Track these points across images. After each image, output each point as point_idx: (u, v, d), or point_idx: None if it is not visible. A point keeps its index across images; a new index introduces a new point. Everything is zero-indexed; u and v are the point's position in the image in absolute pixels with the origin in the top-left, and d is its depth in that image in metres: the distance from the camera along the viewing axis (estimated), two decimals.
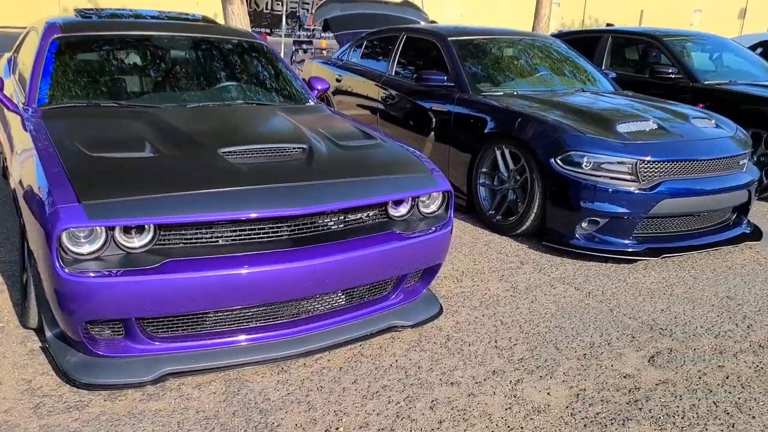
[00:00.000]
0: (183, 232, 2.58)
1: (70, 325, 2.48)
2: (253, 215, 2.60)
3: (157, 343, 2.64)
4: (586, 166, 4.19)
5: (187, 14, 4.85)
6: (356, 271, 2.84)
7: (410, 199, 3.11)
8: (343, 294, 3.02)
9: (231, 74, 4.21)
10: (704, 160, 4.33)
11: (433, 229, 3.10)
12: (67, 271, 2.36)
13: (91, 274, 2.38)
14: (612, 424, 2.57)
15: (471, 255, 4.29)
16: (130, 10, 4.79)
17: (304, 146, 3.09)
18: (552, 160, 4.27)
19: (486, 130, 4.76)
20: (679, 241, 4.36)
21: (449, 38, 5.59)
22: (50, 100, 3.52)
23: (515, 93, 5.20)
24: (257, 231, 2.68)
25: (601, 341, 3.22)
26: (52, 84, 3.62)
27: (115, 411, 2.46)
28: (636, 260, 4.26)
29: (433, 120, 5.31)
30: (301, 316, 2.90)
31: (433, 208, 3.19)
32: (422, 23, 8.14)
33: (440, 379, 2.81)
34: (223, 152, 2.90)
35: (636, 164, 4.15)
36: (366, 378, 2.79)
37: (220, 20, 6.72)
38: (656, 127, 4.48)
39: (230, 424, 2.43)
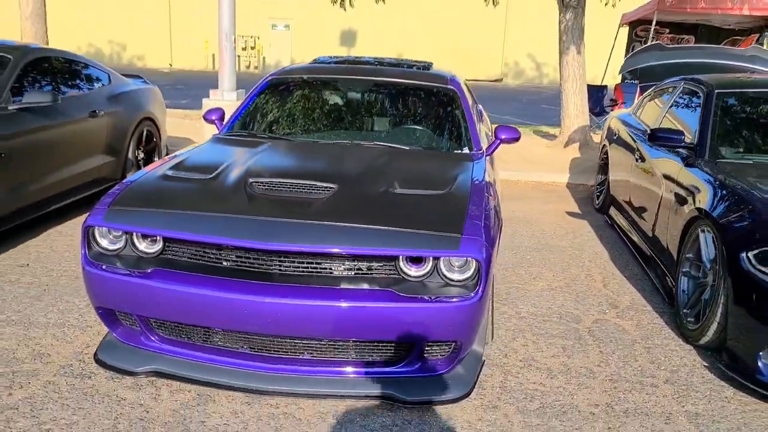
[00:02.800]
0: (184, 247, 2.84)
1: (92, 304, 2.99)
2: (231, 243, 2.70)
3: (155, 340, 2.96)
4: None
5: (418, 62, 5.08)
6: (332, 320, 2.66)
7: (431, 259, 2.73)
8: (339, 345, 2.83)
9: (394, 117, 4.27)
10: None
11: (439, 297, 2.66)
12: (88, 259, 2.87)
13: (103, 268, 2.83)
14: None
15: (609, 353, 3.40)
16: (362, 57, 5.25)
17: (333, 186, 3.01)
18: (743, 254, 3.08)
19: (695, 206, 3.69)
20: None
21: (717, 90, 4.47)
22: (230, 129, 4.20)
23: None
24: (248, 259, 2.76)
25: None
26: (241, 117, 4.31)
27: (99, 388, 2.86)
28: None
29: (662, 186, 4.34)
30: (287, 354, 2.84)
31: (457, 275, 2.73)
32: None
33: None
34: (252, 181, 3.05)
35: None
36: None
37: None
38: None
39: (152, 431, 2.58)
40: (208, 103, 8.90)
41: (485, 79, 30.54)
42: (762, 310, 2.96)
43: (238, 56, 31.57)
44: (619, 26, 13.00)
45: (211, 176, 3.19)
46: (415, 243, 2.69)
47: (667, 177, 4.31)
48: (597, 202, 6.62)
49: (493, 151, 4.28)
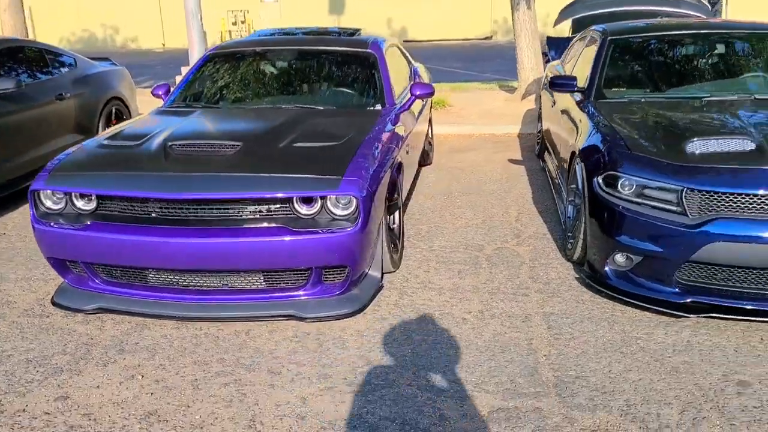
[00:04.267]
0: (114, 202, 3.39)
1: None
2: (151, 196, 3.25)
3: (99, 283, 3.54)
4: (624, 189, 3.42)
5: (345, 29, 5.55)
6: (239, 254, 3.20)
7: (319, 198, 3.26)
8: (250, 276, 3.38)
9: (315, 81, 4.78)
10: None
11: (327, 230, 3.20)
12: (37, 219, 3.44)
13: (49, 225, 3.39)
14: None
15: (497, 273, 3.94)
16: (299, 29, 5.74)
17: (239, 143, 3.55)
18: (595, 179, 3.60)
19: (574, 141, 4.19)
20: (742, 301, 3.17)
21: (610, 36, 4.92)
22: (172, 102, 4.73)
23: (642, 100, 4.35)
24: (169, 209, 3.31)
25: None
26: (182, 90, 4.83)
27: (54, 324, 3.45)
28: (684, 316, 3.30)
29: (562, 126, 4.83)
30: (208, 287, 3.40)
31: (341, 211, 3.26)
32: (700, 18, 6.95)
33: (268, 368, 2.99)
34: (170, 144, 3.59)
35: (682, 193, 3.21)
36: (219, 349, 3.17)
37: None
38: (754, 147, 3.30)
39: (90, 352, 3.17)
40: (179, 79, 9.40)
41: (474, 37, 30.63)
42: (608, 224, 3.47)
43: (229, 31, 31.87)
44: None
45: (139, 142, 3.73)
46: (303, 186, 3.23)
47: (565, 115, 4.80)
48: (537, 149, 7.10)
49: (409, 106, 4.79)
